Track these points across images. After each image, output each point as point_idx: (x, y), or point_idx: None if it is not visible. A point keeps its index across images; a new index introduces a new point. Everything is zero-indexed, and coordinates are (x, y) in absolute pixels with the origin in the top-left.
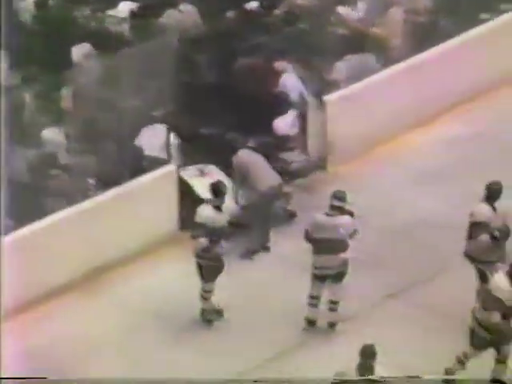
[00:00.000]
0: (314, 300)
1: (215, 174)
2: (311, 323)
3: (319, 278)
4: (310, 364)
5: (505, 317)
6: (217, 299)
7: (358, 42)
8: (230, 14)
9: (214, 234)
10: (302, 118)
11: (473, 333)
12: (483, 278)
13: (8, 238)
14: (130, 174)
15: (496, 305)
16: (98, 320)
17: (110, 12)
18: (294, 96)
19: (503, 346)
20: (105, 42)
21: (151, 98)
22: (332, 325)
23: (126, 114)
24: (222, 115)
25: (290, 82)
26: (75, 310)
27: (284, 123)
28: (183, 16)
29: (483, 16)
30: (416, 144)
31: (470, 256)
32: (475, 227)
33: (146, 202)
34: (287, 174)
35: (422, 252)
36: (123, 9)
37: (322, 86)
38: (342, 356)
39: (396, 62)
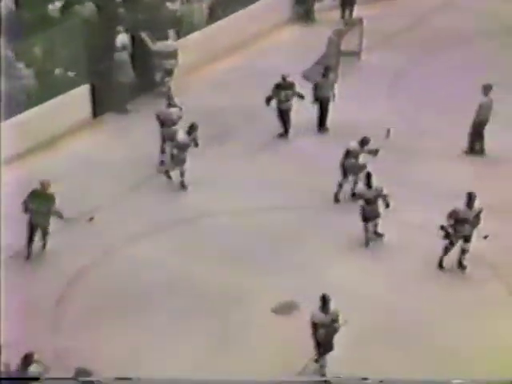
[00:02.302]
0: None
1: None
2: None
3: None
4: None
5: None
6: None
7: None
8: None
9: None
10: None
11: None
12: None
13: None
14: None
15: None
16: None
17: (50, 6)
18: (121, 42)
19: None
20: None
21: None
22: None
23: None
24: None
25: (120, 37)
26: None
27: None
28: (86, 8)
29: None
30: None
31: (344, 168)
32: (347, 153)
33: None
34: None
35: None
36: (58, 3)
37: None
38: (111, 224)
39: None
